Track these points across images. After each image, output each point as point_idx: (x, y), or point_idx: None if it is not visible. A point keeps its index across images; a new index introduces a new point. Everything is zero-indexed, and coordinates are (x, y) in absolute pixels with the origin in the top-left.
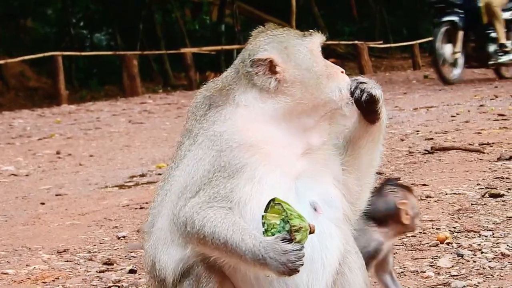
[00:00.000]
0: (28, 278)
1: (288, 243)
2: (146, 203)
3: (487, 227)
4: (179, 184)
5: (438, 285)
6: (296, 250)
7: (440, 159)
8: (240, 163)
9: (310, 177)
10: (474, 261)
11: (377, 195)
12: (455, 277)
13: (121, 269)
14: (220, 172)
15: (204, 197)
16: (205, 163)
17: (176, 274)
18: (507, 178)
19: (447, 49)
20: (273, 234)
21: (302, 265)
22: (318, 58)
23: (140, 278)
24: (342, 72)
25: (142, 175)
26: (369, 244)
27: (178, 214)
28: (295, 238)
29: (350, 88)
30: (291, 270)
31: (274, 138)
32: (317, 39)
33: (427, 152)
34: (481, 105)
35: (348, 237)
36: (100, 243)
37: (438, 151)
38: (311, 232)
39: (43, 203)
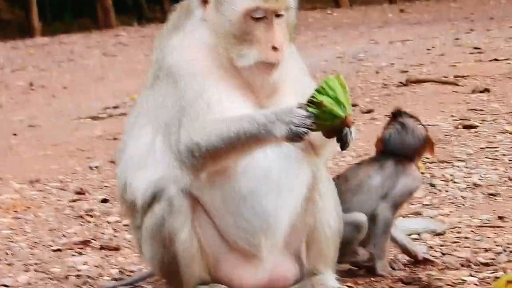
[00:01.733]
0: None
1: (299, 108)
2: (120, 134)
3: (460, 158)
4: (155, 118)
5: (410, 214)
6: (302, 115)
7: (414, 92)
8: (200, 85)
9: (274, 99)
10: (446, 191)
11: (401, 130)
12: (427, 207)
13: (93, 199)
14: (187, 97)
15: (191, 122)
16: (171, 95)
17: (146, 197)
18: (480, 110)
19: None
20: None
21: (305, 134)
22: (248, 21)
23: (112, 207)
24: (275, 48)
25: (116, 107)
26: (414, 184)
27: (179, 150)
28: (308, 108)
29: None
30: (292, 133)
31: (223, 65)
32: (263, 5)
33: (401, 84)
34: (456, 39)
35: (318, 163)
36: (73, 173)
37: (413, 84)
38: (345, 124)
39: (15, 134)
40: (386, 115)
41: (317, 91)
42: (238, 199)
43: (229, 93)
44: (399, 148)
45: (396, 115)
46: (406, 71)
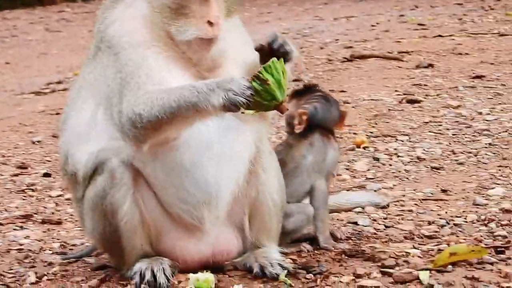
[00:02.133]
0: None
1: (242, 78)
2: (61, 109)
3: (403, 132)
4: (97, 90)
5: (354, 187)
6: (243, 84)
7: (359, 67)
8: (141, 57)
9: (217, 72)
10: (390, 165)
11: (325, 104)
12: (371, 180)
13: (35, 173)
14: (127, 68)
15: (132, 93)
16: (112, 67)
17: (88, 168)
18: (424, 85)
19: None
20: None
21: (242, 104)
22: None
23: (54, 182)
24: (211, 23)
25: (59, 82)
26: (337, 154)
27: (121, 121)
28: (251, 81)
29: (271, 40)
30: (230, 100)
31: (163, 37)
32: None
33: (346, 60)
34: (401, 15)
35: (262, 136)
36: (15, 148)
37: (357, 59)
38: (279, 109)
39: None
40: (331, 90)
41: (265, 68)
42: (180, 171)
43: (170, 65)
44: (324, 121)
45: (312, 89)
46: (351, 47)
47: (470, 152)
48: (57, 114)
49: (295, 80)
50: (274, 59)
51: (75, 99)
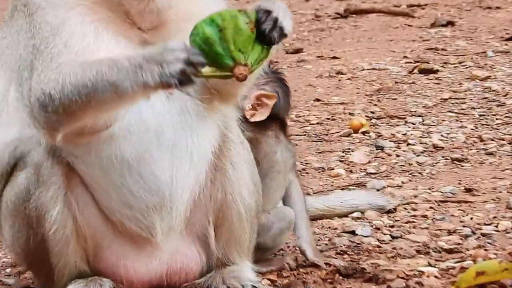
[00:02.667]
0: None
1: (177, 44)
2: None
3: (415, 112)
4: (8, 60)
5: (350, 185)
6: (178, 49)
7: (356, 25)
8: (60, 18)
9: (162, 35)
10: (398, 155)
11: (285, 92)
12: (373, 175)
13: None
14: (41, 33)
15: (44, 66)
16: (25, 32)
17: (4, 162)
18: (442, 49)
19: None
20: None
21: (187, 80)
22: None
23: None
24: None
25: None
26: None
27: (31, 102)
28: (192, 40)
29: (265, 30)
30: (166, 75)
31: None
32: None
33: (339, 16)
34: None
35: (229, 123)
36: None
37: (354, 15)
38: (232, 71)
39: None
40: (319, 57)
41: (205, 22)
42: (120, 167)
43: (99, 30)
44: (285, 111)
45: (273, 72)
46: None
47: (502, 139)
48: None
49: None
50: (227, 8)
51: None
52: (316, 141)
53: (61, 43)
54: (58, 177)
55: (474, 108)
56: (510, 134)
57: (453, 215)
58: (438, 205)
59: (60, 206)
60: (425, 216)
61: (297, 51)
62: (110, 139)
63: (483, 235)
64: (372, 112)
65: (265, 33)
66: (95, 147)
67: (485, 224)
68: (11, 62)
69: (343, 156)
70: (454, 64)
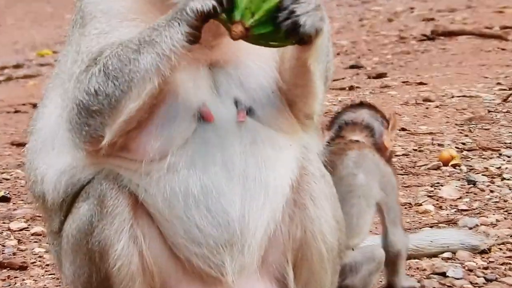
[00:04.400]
0: None
1: None
2: (24, 104)
3: (510, 143)
4: (64, 77)
5: (440, 222)
6: None
7: (444, 48)
8: (105, 27)
9: (232, 65)
10: (492, 191)
11: None
12: (464, 213)
13: None
14: (85, 42)
15: (82, 65)
16: (76, 45)
17: (60, 191)
18: None
19: None
20: None
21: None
22: None
23: (15, 209)
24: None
25: (17, 66)
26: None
27: (69, 109)
28: None
29: (279, 18)
30: (193, 12)
31: (150, 13)
32: None
33: (425, 37)
34: None
35: (308, 155)
36: None
37: (442, 37)
38: (229, 24)
39: None
40: (405, 82)
41: None
42: (185, 200)
43: None
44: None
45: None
46: (432, 19)
47: None
48: (16, 112)
49: (353, 67)
50: None
51: (49, 90)
52: (402, 174)
53: (104, 42)
54: (123, 208)
55: None
56: None
57: None
58: None
59: (125, 240)
60: None
61: (381, 75)
62: (173, 169)
63: None
64: (463, 143)
65: (282, 21)
66: (157, 177)
67: None
68: (65, 79)
69: (432, 191)
70: None
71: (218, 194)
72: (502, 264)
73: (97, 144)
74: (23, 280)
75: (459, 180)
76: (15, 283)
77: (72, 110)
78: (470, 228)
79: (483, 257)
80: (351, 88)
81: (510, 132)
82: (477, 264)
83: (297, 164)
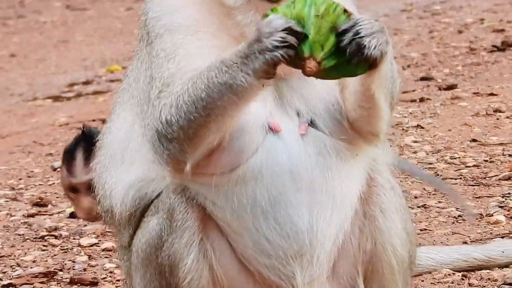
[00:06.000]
0: None
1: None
2: (94, 120)
3: None
4: (134, 94)
5: (511, 233)
6: (274, 19)
7: None
8: (176, 44)
9: (294, 77)
10: None
11: None
12: None
13: (58, 212)
14: (157, 61)
15: (155, 94)
16: (145, 63)
17: (128, 205)
18: None
19: None
20: None
21: (282, 43)
22: None
23: (85, 224)
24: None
25: (87, 82)
26: None
27: (150, 133)
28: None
29: (344, 41)
30: (268, 48)
31: (212, 24)
32: None
33: (496, 48)
34: None
35: (377, 166)
36: (28, 177)
37: None
38: (302, 63)
39: None
40: (475, 93)
41: (305, 0)
42: (253, 211)
43: (218, 54)
44: None
45: None
46: (503, 31)
47: None
48: None
49: (423, 79)
50: None
51: (116, 106)
52: (473, 185)
53: (174, 66)
54: (193, 222)
55: None
56: None
57: None
58: None
59: (195, 254)
60: None
61: (451, 87)
62: (241, 181)
63: None
64: None
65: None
66: (225, 189)
67: None
68: (136, 96)
69: (503, 202)
70: None
71: (285, 205)
72: None
73: (179, 166)
74: None
75: None
76: None
77: (153, 135)
78: None
79: None
80: (422, 100)
81: None
82: None
83: (365, 176)
